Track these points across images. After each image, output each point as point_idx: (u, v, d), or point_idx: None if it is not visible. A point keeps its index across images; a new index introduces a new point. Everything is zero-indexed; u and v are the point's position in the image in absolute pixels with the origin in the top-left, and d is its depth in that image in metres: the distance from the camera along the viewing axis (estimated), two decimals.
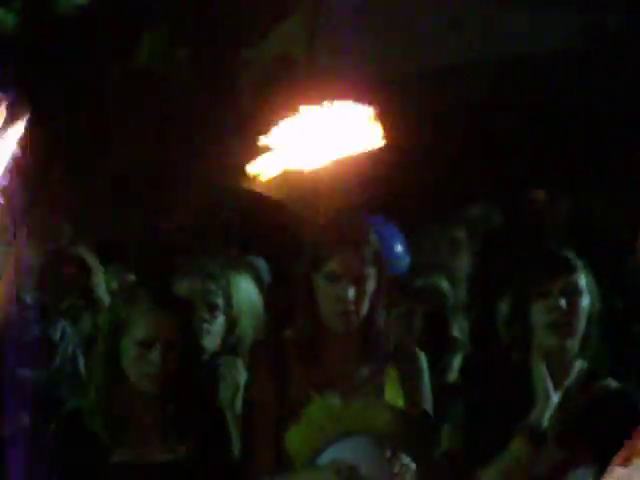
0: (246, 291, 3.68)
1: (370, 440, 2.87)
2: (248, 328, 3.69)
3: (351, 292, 2.84)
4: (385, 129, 5.51)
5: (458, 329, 4.26)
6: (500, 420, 2.91)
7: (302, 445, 2.89)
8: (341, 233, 2.97)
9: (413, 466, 2.81)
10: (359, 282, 2.86)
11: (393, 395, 2.99)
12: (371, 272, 2.89)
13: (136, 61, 10.64)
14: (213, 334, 3.38)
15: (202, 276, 3.59)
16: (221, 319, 3.44)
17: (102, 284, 4.41)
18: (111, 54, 10.22)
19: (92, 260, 4.53)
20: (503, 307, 3.49)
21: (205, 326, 3.41)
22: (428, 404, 3.08)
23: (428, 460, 2.98)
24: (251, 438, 2.95)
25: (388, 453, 2.83)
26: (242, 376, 3.51)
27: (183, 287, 3.48)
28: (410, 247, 5.33)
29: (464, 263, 5.11)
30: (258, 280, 4.41)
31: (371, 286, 2.91)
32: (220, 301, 3.49)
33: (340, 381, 2.95)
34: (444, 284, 4.46)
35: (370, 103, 5.54)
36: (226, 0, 10.46)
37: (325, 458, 2.84)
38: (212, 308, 3.49)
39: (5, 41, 9.66)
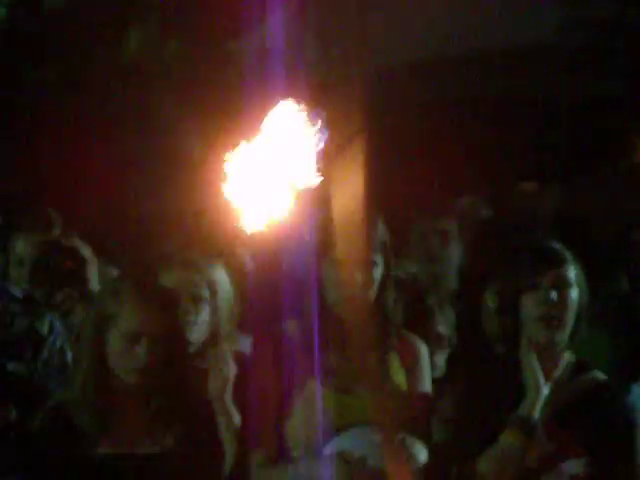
0: (225, 282, 3.67)
1: (376, 429, 2.88)
2: (229, 319, 3.68)
3: (358, 278, 2.90)
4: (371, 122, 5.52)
5: (445, 323, 4.23)
6: (490, 413, 2.91)
7: (305, 434, 2.92)
8: (348, 220, 2.97)
9: (421, 454, 2.86)
10: (367, 268, 2.93)
11: (398, 382, 3.03)
12: (378, 259, 2.94)
13: (123, 54, 10.67)
14: (199, 326, 3.37)
15: (186, 267, 3.58)
16: (207, 311, 3.42)
17: (96, 276, 4.40)
18: (98, 47, 10.24)
19: (86, 251, 4.48)
20: (491, 300, 3.38)
21: (191, 318, 3.40)
22: (429, 390, 3.14)
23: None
24: (252, 428, 3.00)
25: (395, 442, 2.85)
26: (230, 368, 3.48)
27: (168, 279, 3.47)
28: (399, 240, 5.35)
29: (454, 256, 5.13)
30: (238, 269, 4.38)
31: (378, 273, 2.96)
32: (205, 293, 3.47)
33: (345, 369, 2.99)
34: (425, 276, 4.48)
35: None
36: None
37: (332, 448, 2.85)
38: (197, 300, 3.47)
39: None
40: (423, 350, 3.15)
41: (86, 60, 10.12)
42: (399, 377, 3.05)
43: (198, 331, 3.31)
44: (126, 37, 10.60)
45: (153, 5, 10.62)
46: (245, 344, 3.70)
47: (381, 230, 3.05)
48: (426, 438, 2.99)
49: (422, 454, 2.89)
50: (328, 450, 2.89)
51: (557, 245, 3.00)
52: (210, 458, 2.96)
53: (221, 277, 3.57)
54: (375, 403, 3.00)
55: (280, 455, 3.00)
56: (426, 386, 3.11)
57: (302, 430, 2.95)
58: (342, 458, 2.85)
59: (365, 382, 3.04)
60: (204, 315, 3.37)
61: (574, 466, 2.80)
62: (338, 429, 2.91)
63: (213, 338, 3.45)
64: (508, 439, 2.79)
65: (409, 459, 2.91)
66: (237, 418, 3.32)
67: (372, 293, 3.02)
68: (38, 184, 9.58)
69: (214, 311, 3.46)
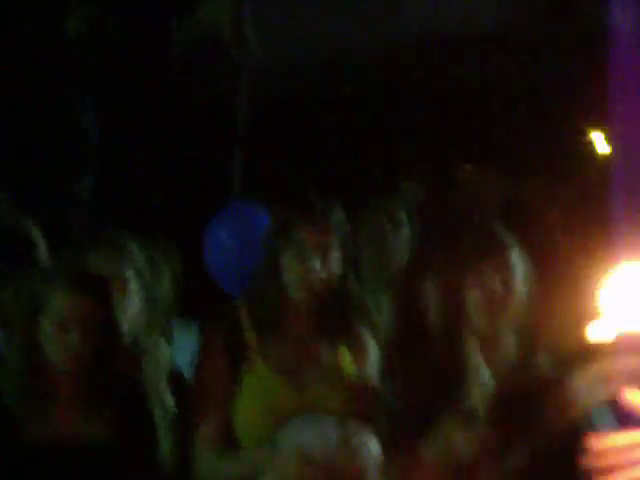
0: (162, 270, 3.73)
1: (329, 421, 2.89)
2: (165, 307, 3.72)
3: (318, 262, 2.90)
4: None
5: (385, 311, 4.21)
6: (431, 404, 2.91)
7: (255, 424, 2.93)
8: (307, 203, 3.04)
9: (372, 445, 2.83)
10: (327, 252, 2.94)
11: (347, 374, 3.03)
12: (335, 242, 2.96)
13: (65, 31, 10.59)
14: (132, 311, 3.38)
15: (115, 252, 3.56)
16: (139, 296, 3.44)
17: (45, 260, 4.36)
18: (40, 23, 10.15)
19: (37, 234, 4.41)
20: (433, 287, 3.42)
21: (123, 303, 3.40)
22: (377, 382, 3.13)
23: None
24: (198, 415, 2.98)
25: (347, 433, 2.86)
26: (164, 353, 3.54)
27: (97, 266, 3.45)
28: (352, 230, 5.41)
29: (404, 244, 5.13)
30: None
31: (335, 255, 2.98)
32: (134, 276, 3.47)
33: (298, 357, 3.01)
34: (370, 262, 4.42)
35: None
36: None
37: (284, 440, 2.84)
38: (127, 287, 3.46)
39: None
40: (372, 344, 3.16)
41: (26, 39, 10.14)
42: (347, 365, 3.07)
43: (131, 318, 3.33)
44: None
45: None
46: (182, 329, 3.76)
47: (338, 212, 3.08)
48: (375, 429, 2.98)
49: (374, 446, 2.89)
50: (281, 441, 2.88)
51: (501, 231, 3.01)
52: (142, 445, 2.99)
53: (152, 264, 3.59)
54: (325, 393, 3.01)
55: (227, 444, 2.99)
56: (374, 379, 3.13)
57: (250, 419, 2.96)
58: (296, 453, 2.83)
59: (315, 371, 3.05)
60: (136, 302, 3.39)
61: (517, 458, 2.80)
62: (290, 420, 2.91)
63: (148, 325, 3.47)
64: (450, 430, 2.80)
65: (359, 450, 2.89)
66: (172, 405, 3.33)
67: (329, 274, 3.02)
68: None
69: (147, 298, 3.47)
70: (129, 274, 3.39)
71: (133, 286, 3.39)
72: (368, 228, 4.66)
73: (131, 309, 3.33)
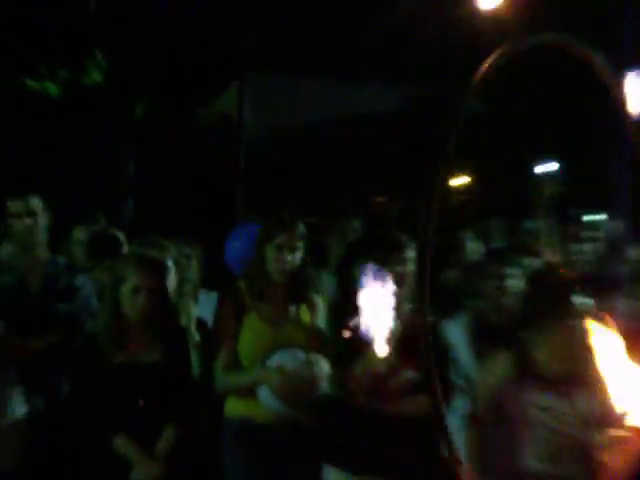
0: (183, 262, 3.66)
1: (299, 351, 2.86)
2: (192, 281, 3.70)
3: (289, 257, 2.86)
4: None
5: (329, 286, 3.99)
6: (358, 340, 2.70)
7: (252, 353, 2.89)
8: (282, 220, 2.97)
9: (327, 369, 2.82)
10: (294, 251, 2.90)
11: (306, 322, 3.01)
12: (300, 245, 2.92)
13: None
14: (172, 284, 3.30)
15: (158, 248, 3.48)
16: (176, 275, 3.37)
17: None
18: None
19: (122, 238, 4.08)
20: (356, 273, 3.04)
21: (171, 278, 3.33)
22: (324, 329, 3.08)
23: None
24: (216, 348, 2.93)
25: (308, 357, 2.85)
26: (193, 310, 3.51)
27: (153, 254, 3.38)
28: None
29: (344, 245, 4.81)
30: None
31: (299, 253, 2.95)
32: (171, 263, 3.37)
33: (277, 313, 2.97)
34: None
35: None
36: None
37: (271, 362, 2.82)
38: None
39: None
40: (321, 306, 3.09)
41: None
42: (306, 318, 3.02)
43: (172, 288, 3.27)
44: None
45: None
46: (207, 296, 3.72)
47: (301, 225, 3.00)
48: (325, 356, 2.90)
49: (325, 366, 2.85)
50: (270, 363, 2.83)
51: (402, 236, 2.98)
52: (182, 366, 2.96)
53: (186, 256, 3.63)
54: (293, 334, 2.94)
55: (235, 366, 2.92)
56: (322, 325, 3.06)
57: (248, 349, 2.91)
58: (279, 369, 2.79)
59: (287, 320, 2.98)
60: (173, 279, 3.33)
61: (411, 374, 2.75)
62: (273, 350, 2.88)
63: (183, 294, 3.45)
64: (371, 356, 2.66)
65: (316, 366, 2.84)
66: (199, 341, 3.29)
67: (296, 266, 2.96)
68: None
69: (182, 278, 3.45)
70: (169, 262, 3.33)
71: (172, 269, 3.32)
72: (332, 237, 4.62)
73: (171, 283, 3.26)
